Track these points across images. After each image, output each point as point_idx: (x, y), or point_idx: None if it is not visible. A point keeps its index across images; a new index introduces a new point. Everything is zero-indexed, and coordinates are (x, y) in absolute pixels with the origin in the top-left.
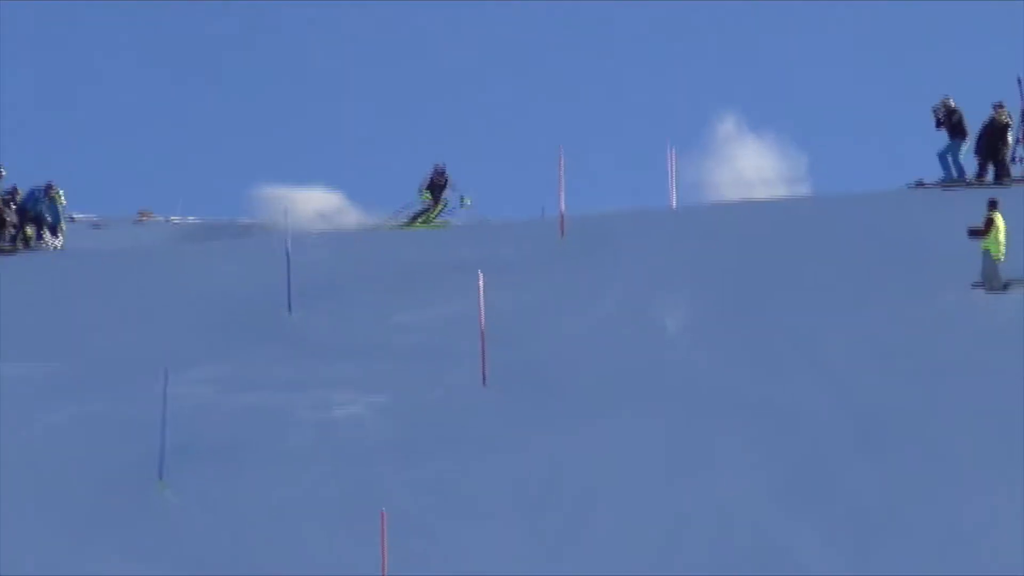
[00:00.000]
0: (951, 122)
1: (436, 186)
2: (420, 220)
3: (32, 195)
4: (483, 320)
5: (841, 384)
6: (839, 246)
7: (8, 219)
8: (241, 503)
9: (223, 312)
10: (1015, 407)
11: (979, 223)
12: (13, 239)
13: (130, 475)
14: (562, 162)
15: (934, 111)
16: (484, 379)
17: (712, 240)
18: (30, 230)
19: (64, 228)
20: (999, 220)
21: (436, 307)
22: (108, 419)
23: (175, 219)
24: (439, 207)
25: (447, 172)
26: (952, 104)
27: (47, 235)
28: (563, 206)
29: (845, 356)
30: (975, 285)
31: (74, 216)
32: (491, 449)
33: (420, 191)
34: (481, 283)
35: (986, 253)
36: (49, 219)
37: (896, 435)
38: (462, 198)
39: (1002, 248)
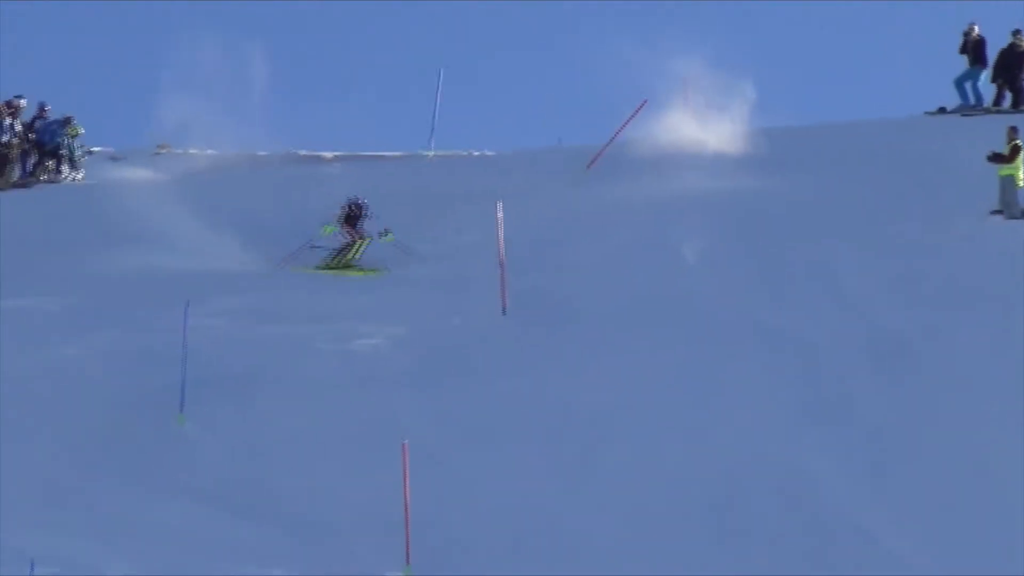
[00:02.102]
0: (973, 49)
1: (352, 218)
2: (339, 259)
3: (49, 128)
4: (502, 250)
5: (856, 309)
6: (856, 173)
7: (13, 153)
8: (262, 434)
9: (243, 242)
10: None
11: (1000, 149)
12: (31, 172)
13: (151, 407)
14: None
15: (964, 34)
16: (504, 308)
17: (729, 168)
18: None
19: (81, 161)
20: None
21: (455, 237)
22: (128, 351)
23: (194, 151)
24: (361, 243)
25: (364, 202)
26: (976, 32)
27: (65, 168)
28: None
29: (860, 282)
30: (993, 212)
31: (92, 149)
32: (509, 377)
33: (327, 225)
34: (500, 213)
35: (1007, 179)
36: (65, 152)
37: (910, 359)
38: (384, 231)
39: (1022, 175)
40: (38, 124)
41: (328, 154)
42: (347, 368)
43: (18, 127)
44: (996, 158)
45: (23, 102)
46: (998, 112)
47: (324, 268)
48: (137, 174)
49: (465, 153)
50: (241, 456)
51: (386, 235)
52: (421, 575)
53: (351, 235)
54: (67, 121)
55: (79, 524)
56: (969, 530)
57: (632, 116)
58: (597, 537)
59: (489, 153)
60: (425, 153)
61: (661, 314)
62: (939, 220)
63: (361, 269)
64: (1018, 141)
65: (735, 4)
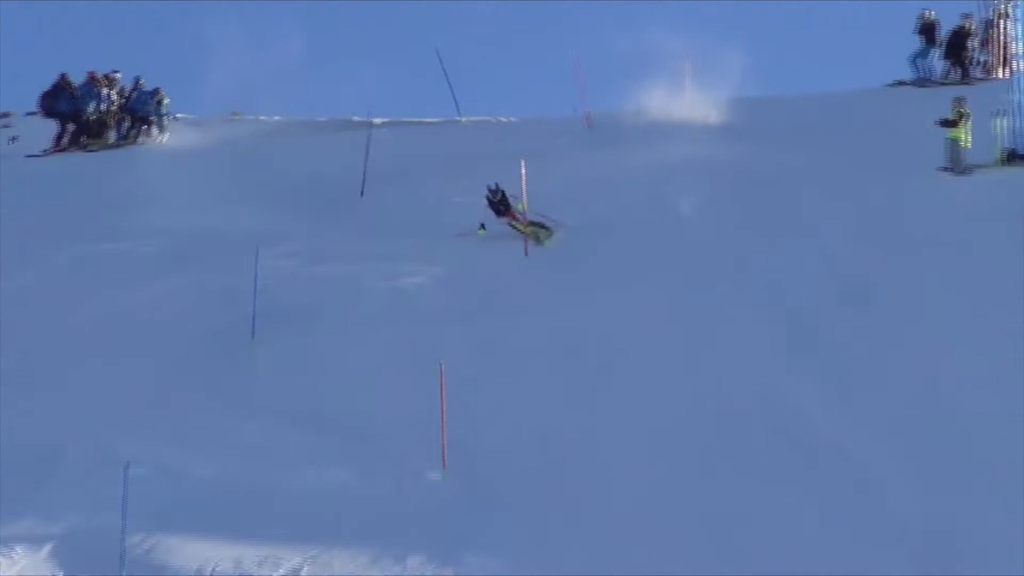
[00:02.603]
0: (926, 31)
1: (496, 204)
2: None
3: (141, 97)
4: (525, 201)
5: (828, 254)
6: (826, 137)
7: (111, 120)
8: (321, 358)
9: (305, 196)
10: (976, 273)
11: (949, 115)
12: (125, 135)
13: (228, 335)
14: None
15: (919, 18)
16: (526, 251)
17: (722, 134)
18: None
19: (168, 126)
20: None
21: (485, 190)
22: (209, 288)
23: (263, 117)
24: (523, 225)
25: (494, 187)
26: (929, 16)
27: (154, 131)
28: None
29: (832, 231)
30: (942, 169)
31: (176, 115)
32: (531, 311)
33: (480, 229)
34: (523, 171)
35: (954, 141)
36: (154, 118)
37: (874, 297)
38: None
39: (969, 137)
40: (133, 95)
41: (377, 120)
42: (393, 303)
43: (115, 97)
44: (945, 123)
45: (119, 75)
46: (946, 84)
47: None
48: (214, 137)
49: (493, 119)
50: (303, 376)
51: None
52: (455, 476)
53: (513, 223)
54: (156, 92)
55: (167, 433)
56: (929, 441)
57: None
58: (606, 447)
59: (513, 119)
60: (458, 119)
61: (661, 260)
62: (897, 176)
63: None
64: (962, 108)
65: None
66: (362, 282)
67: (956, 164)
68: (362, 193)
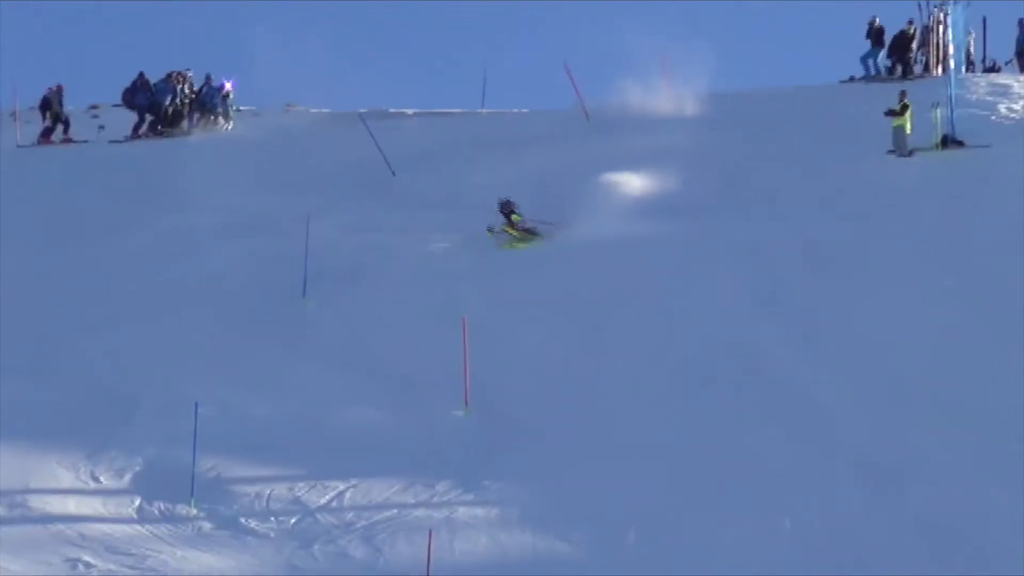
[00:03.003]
0: (875, 34)
1: (511, 213)
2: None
3: (210, 92)
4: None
5: (794, 224)
6: (790, 125)
7: (184, 112)
8: (362, 312)
9: (347, 177)
10: (918, 237)
11: (894, 106)
12: (195, 125)
13: (282, 292)
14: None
15: (868, 24)
16: (534, 222)
17: (698, 122)
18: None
19: (232, 116)
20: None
21: (500, 170)
22: (266, 253)
23: (313, 110)
24: (520, 234)
25: (506, 200)
26: (877, 22)
27: (220, 121)
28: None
29: (797, 204)
30: (889, 152)
31: (239, 107)
32: (541, 269)
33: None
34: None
35: (899, 128)
36: (220, 110)
37: (833, 259)
38: (490, 229)
39: (910, 125)
40: (203, 89)
41: (409, 110)
42: (423, 265)
43: (187, 91)
44: (891, 113)
45: (191, 73)
46: (891, 81)
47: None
48: (271, 127)
49: (508, 110)
50: (346, 328)
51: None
52: (477, 413)
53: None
54: (222, 87)
55: (231, 377)
56: (881, 381)
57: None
58: (604, 386)
59: (524, 110)
60: (478, 111)
61: (650, 225)
62: (851, 158)
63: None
64: (906, 101)
65: None
66: (396, 248)
67: (901, 148)
68: (394, 174)
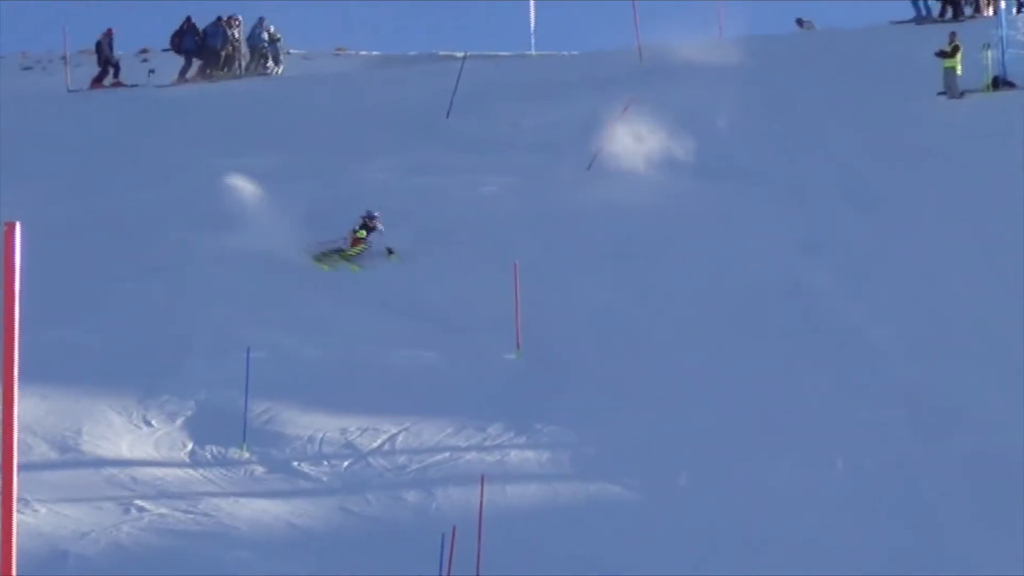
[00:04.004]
0: None
1: (367, 228)
2: (336, 253)
3: (259, 36)
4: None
5: (842, 163)
6: (843, 66)
7: (235, 55)
8: (413, 255)
9: (399, 119)
10: (967, 179)
11: (945, 47)
12: (247, 67)
13: (334, 235)
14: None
15: None
16: (589, 166)
17: (753, 62)
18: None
19: (283, 60)
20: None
21: (551, 113)
22: (320, 196)
23: (363, 52)
24: (359, 247)
25: (378, 217)
26: None
27: (271, 64)
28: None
29: (845, 143)
30: (939, 94)
31: (290, 51)
32: (591, 214)
33: (353, 230)
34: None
35: (949, 70)
36: (270, 53)
37: (884, 201)
38: (389, 250)
39: (960, 66)
40: (256, 31)
41: (459, 53)
42: (474, 209)
43: (238, 35)
44: (941, 54)
45: (240, 18)
46: (942, 22)
47: (318, 258)
48: (322, 70)
49: (557, 53)
50: (397, 272)
51: (391, 254)
52: (527, 356)
53: (355, 240)
54: (272, 32)
55: (282, 322)
56: (928, 321)
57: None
58: (653, 328)
59: (575, 53)
60: (530, 53)
61: (699, 166)
62: (902, 100)
63: (351, 263)
64: (956, 42)
65: None
66: (448, 191)
67: (951, 89)
68: (448, 115)
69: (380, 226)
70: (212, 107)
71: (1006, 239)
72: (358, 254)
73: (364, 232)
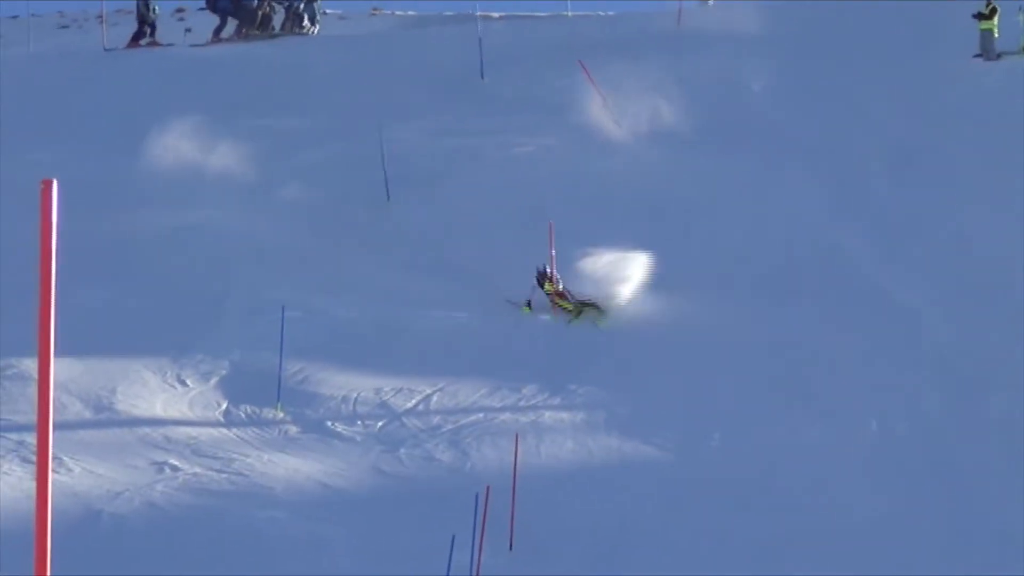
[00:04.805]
0: None
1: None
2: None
3: None
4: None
5: (877, 126)
6: (879, 27)
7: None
8: (444, 215)
9: (433, 78)
10: (1001, 140)
11: (983, 9)
12: (282, 26)
13: (368, 195)
14: None
15: None
16: (623, 127)
17: (789, 25)
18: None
19: (319, 19)
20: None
21: (581, 73)
22: (350, 155)
23: (399, 12)
24: (566, 303)
25: (545, 268)
26: None
27: (307, 24)
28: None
29: (881, 106)
30: (975, 56)
31: (326, 11)
32: (623, 168)
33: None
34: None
35: (986, 32)
36: (307, 13)
37: (918, 162)
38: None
39: (997, 28)
40: None
41: (495, 14)
42: (508, 170)
43: None
44: (978, 16)
45: None
46: None
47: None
48: (357, 29)
49: (594, 13)
50: (430, 231)
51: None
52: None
53: (559, 302)
54: None
55: (317, 281)
56: (962, 282)
57: None
58: (690, 289)
59: (611, 13)
60: (565, 13)
61: (733, 131)
62: (937, 62)
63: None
64: (994, 4)
65: None
66: (481, 152)
67: (988, 51)
68: (482, 76)
69: (556, 274)
70: (248, 67)
71: None
72: (581, 311)
73: (550, 286)
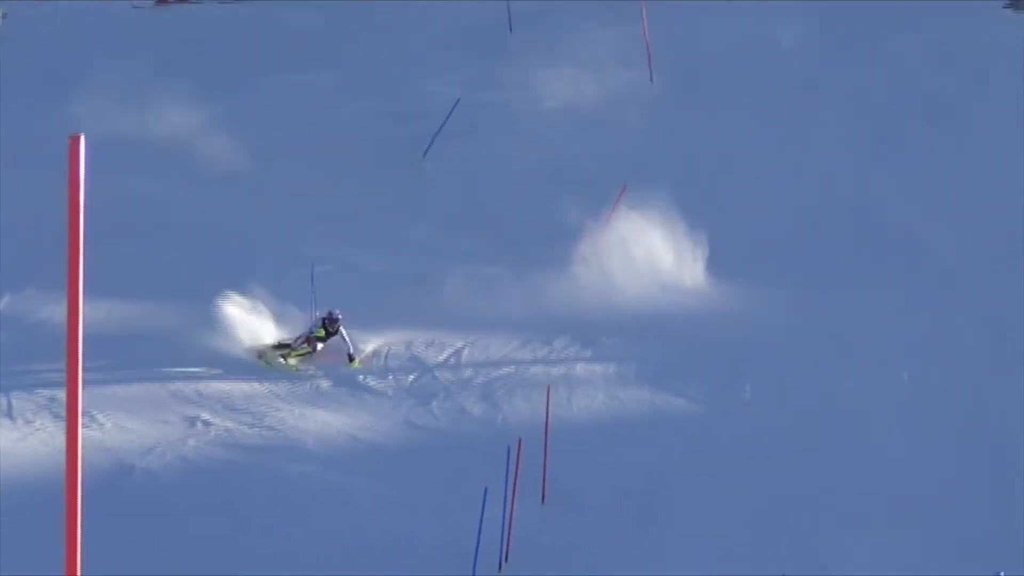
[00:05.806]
0: None
1: (327, 332)
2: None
3: None
4: (647, 40)
5: (909, 76)
6: None
7: None
8: (478, 172)
9: (462, 34)
10: None
11: None
12: None
13: (400, 150)
14: None
15: None
16: (651, 78)
17: None
18: None
19: None
20: None
21: (612, 28)
22: (383, 111)
23: None
24: (307, 349)
25: (340, 320)
26: None
27: None
28: None
29: (913, 57)
30: (1005, 7)
31: None
32: (658, 127)
33: (311, 332)
34: (644, 14)
35: None
36: None
37: (950, 112)
38: (351, 357)
39: None
40: None
41: None
42: (540, 123)
43: None
44: None
45: None
46: None
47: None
48: None
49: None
50: (464, 187)
51: (352, 362)
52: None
53: (308, 340)
54: None
55: (349, 236)
56: (997, 232)
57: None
58: (724, 241)
59: None
60: None
61: (767, 82)
62: (968, 12)
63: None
64: None
65: None
66: (512, 106)
67: (1018, 2)
68: (511, 30)
69: (343, 329)
70: (277, 22)
71: None
72: (304, 355)
73: (323, 333)
